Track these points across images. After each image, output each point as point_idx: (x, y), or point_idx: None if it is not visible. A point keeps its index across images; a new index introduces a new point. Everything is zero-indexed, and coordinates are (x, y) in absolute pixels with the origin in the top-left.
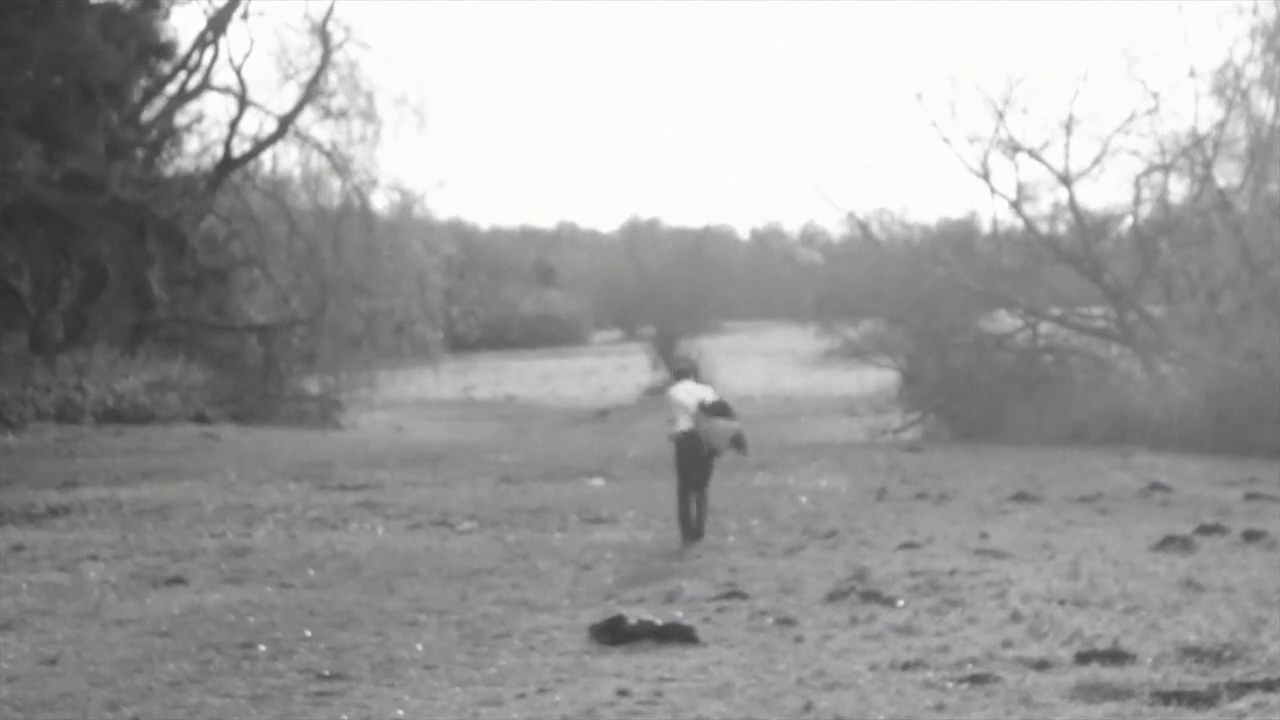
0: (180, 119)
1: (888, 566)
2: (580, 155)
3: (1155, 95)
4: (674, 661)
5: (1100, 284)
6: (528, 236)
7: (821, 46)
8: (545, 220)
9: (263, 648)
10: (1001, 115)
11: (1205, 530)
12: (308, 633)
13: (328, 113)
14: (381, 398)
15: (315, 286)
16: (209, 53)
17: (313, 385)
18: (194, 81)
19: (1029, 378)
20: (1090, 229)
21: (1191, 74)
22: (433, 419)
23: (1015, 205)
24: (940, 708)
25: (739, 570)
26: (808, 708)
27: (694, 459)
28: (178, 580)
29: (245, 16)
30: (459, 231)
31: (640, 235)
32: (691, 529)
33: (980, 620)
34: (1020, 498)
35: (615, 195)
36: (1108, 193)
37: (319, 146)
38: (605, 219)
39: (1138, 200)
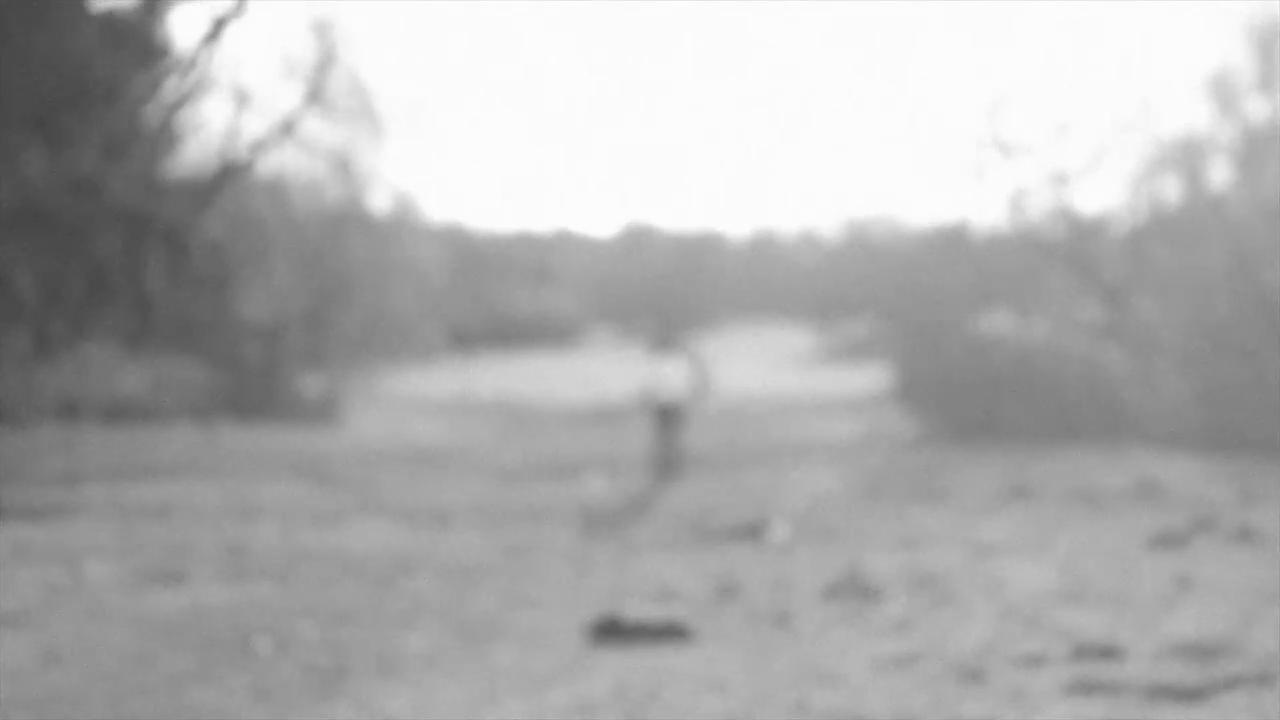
0: (181, 119)
1: (882, 563)
2: (575, 160)
3: (1149, 97)
4: (670, 658)
5: (1094, 284)
6: (524, 241)
7: (817, 48)
8: (542, 225)
9: (263, 644)
10: (996, 116)
11: (1198, 527)
12: (307, 630)
13: (328, 114)
14: (381, 397)
15: (315, 286)
16: (210, 53)
17: (313, 384)
18: (194, 82)
19: (1023, 376)
20: (1084, 230)
21: (1186, 75)
22: (432, 418)
23: (1010, 206)
24: (934, 703)
25: (735, 567)
26: (803, 703)
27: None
28: (178, 577)
29: (246, 17)
30: (457, 234)
31: (638, 240)
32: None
33: (974, 616)
34: (1014, 495)
35: (611, 200)
36: (1102, 194)
37: (320, 148)
38: (601, 224)
39: (1132, 201)
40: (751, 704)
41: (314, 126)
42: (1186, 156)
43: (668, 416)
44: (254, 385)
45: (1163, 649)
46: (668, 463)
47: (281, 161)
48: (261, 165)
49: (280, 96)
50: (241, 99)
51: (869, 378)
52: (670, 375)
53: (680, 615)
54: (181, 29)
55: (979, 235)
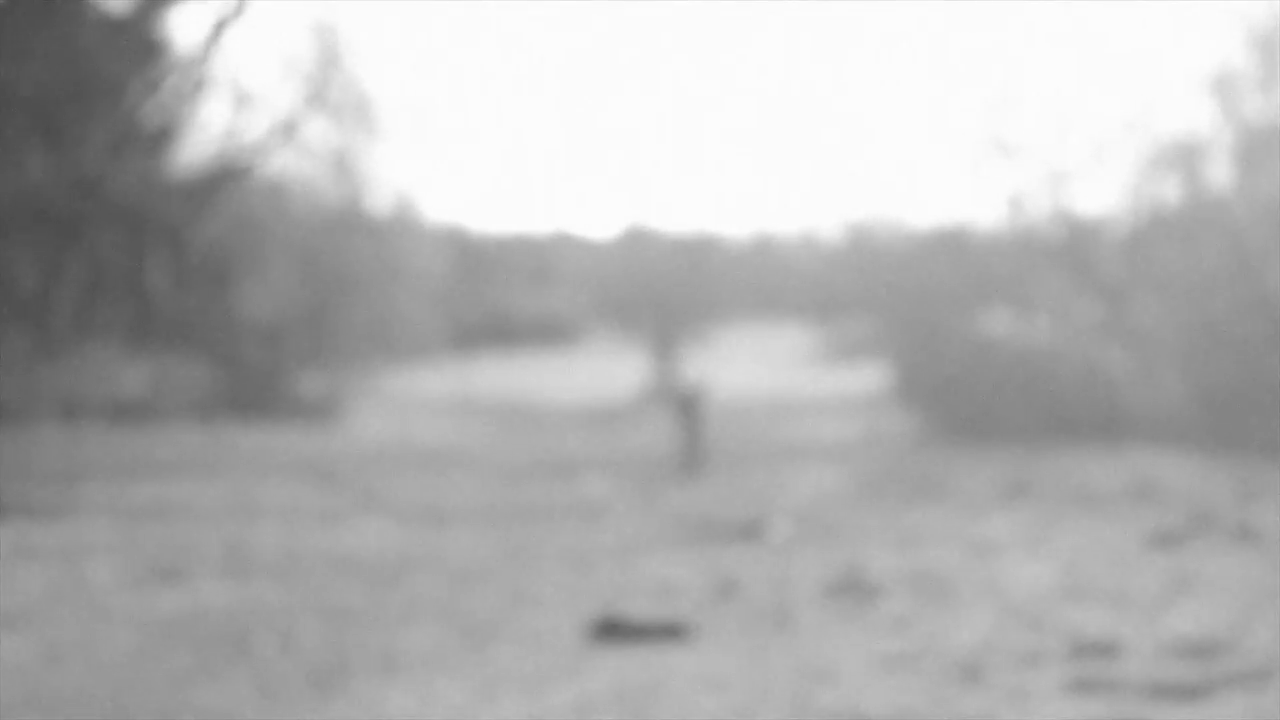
0: (181, 119)
1: (882, 562)
2: (575, 161)
3: (1149, 97)
4: (671, 657)
5: (1093, 284)
6: (524, 242)
7: (817, 48)
8: (541, 226)
9: (264, 643)
10: (996, 116)
11: (1197, 526)
12: (308, 628)
13: (329, 114)
14: (381, 396)
15: (315, 286)
16: (210, 52)
17: (313, 384)
18: (195, 81)
19: (1023, 376)
20: (1084, 230)
21: (1186, 75)
22: (432, 417)
23: (1009, 206)
24: (934, 702)
25: (735, 566)
26: (803, 702)
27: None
28: (180, 576)
29: (247, 16)
30: (457, 234)
31: (638, 241)
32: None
33: (973, 614)
34: (1013, 494)
35: (611, 202)
36: (1102, 194)
37: (320, 148)
38: (601, 226)
39: (1132, 201)
40: (751, 703)
41: (314, 127)
42: (1186, 156)
43: (689, 415)
44: (254, 385)
45: (1162, 647)
46: (689, 461)
47: (282, 162)
48: (262, 166)
49: (280, 97)
50: (241, 99)
51: (869, 378)
52: (687, 374)
53: (680, 614)
54: (182, 29)
55: (979, 235)
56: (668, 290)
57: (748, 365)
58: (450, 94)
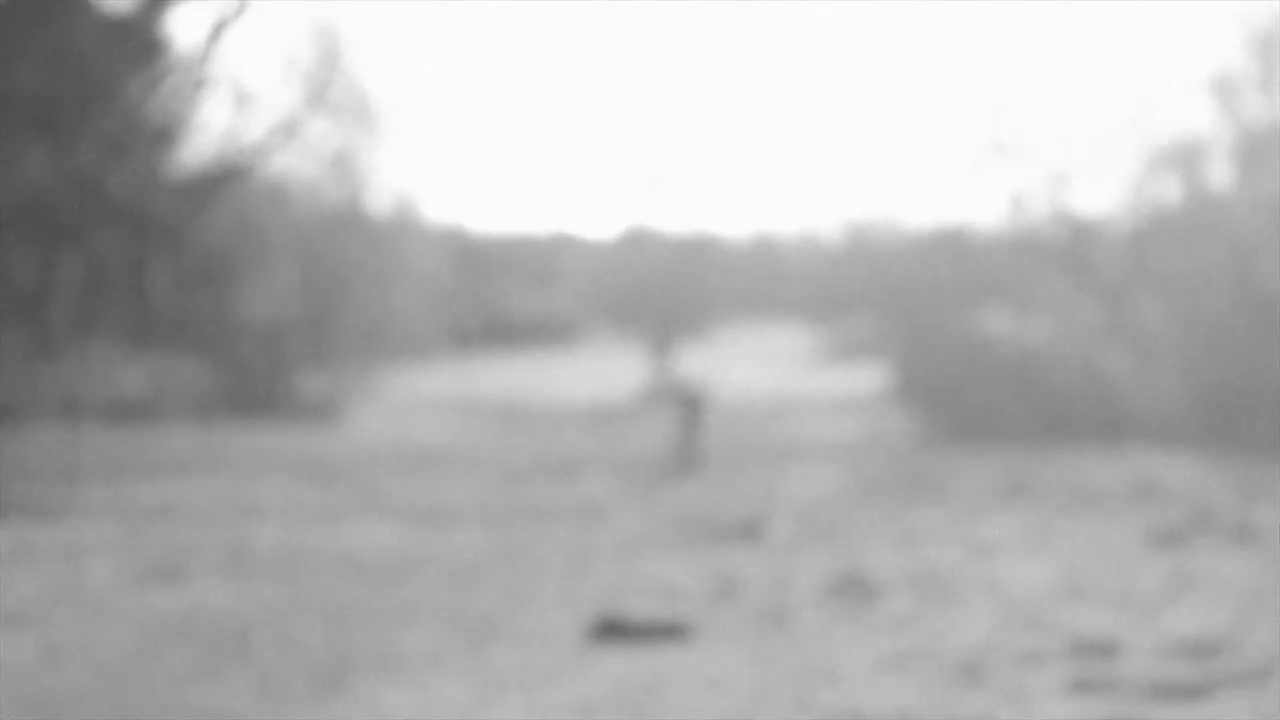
0: (181, 118)
1: (882, 561)
2: (574, 162)
3: (1149, 97)
4: (671, 657)
5: (1093, 284)
6: (525, 243)
7: (817, 48)
8: (542, 227)
9: (264, 643)
10: (995, 117)
11: (1197, 525)
12: (309, 628)
13: (329, 115)
14: (381, 397)
15: (316, 286)
16: (210, 52)
17: (313, 384)
18: (195, 81)
19: (1022, 376)
20: (1084, 230)
21: (1186, 75)
22: (432, 418)
23: (1009, 207)
24: (934, 701)
25: (735, 566)
26: (803, 702)
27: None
28: (180, 576)
29: (247, 16)
30: (457, 235)
31: (638, 242)
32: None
33: (973, 614)
34: (1013, 494)
35: (610, 202)
36: (1102, 194)
37: (320, 148)
38: (601, 227)
39: (1132, 202)
40: (752, 703)
41: (314, 127)
42: (1186, 156)
43: (690, 414)
44: (254, 385)
45: (1162, 646)
46: (689, 459)
47: (282, 162)
48: (262, 166)
49: (280, 97)
50: (241, 99)
51: (868, 378)
52: (688, 374)
53: (680, 614)
54: (182, 29)
55: (978, 235)
56: (668, 290)
57: (748, 365)
58: (450, 94)
